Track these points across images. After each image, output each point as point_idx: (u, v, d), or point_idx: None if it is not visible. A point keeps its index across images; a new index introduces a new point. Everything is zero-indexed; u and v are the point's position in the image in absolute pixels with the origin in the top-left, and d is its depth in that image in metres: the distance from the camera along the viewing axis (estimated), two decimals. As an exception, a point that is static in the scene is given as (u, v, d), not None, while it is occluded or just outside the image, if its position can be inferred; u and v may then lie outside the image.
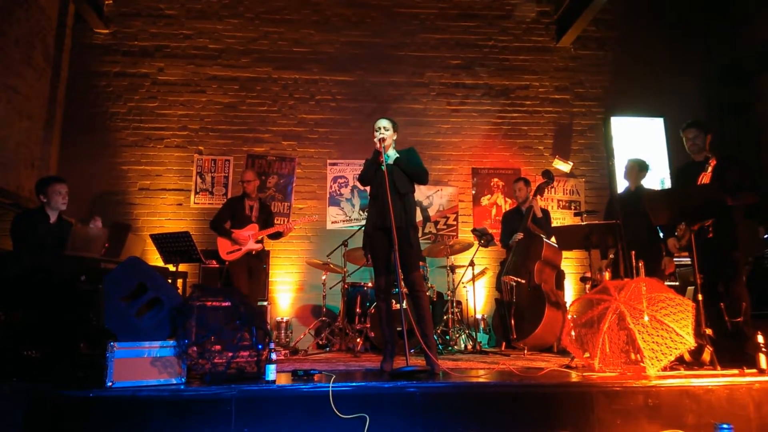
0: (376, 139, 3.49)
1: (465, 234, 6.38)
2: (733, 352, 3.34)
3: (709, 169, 3.70)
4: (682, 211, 3.62)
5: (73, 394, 2.42)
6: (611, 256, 4.47)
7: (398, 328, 3.42)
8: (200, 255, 4.60)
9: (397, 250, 3.19)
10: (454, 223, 6.61)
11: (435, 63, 6.90)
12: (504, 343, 5.04)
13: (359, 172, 3.69)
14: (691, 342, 2.95)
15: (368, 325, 4.95)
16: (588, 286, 4.25)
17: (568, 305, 4.75)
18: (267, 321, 5.03)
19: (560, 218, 6.61)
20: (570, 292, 6.16)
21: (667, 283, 4.03)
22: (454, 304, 5.33)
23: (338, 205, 6.53)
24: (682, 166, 4.13)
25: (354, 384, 2.67)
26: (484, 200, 6.70)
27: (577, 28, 6.64)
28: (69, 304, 3.16)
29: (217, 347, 2.72)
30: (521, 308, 4.80)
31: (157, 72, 6.61)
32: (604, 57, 7.07)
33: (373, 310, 4.98)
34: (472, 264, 5.27)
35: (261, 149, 6.59)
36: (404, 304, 3.19)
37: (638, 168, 4.55)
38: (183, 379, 2.66)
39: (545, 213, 5.33)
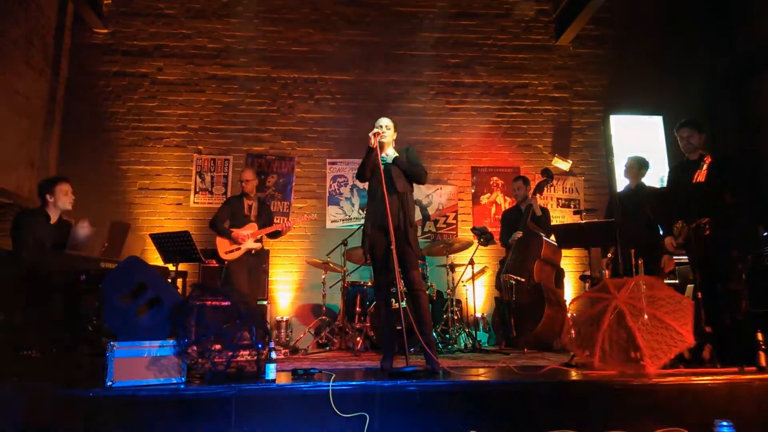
0: (370, 134, 3.37)
1: (464, 233, 6.38)
2: (732, 349, 3.35)
3: (704, 167, 3.71)
4: (681, 209, 3.63)
5: (73, 394, 2.42)
6: (610, 255, 4.47)
7: (398, 327, 3.42)
8: (200, 254, 4.60)
9: (394, 249, 3.18)
10: (454, 221, 6.61)
11: (434, 62, 6.89)
12: (504, 342, 5.05)
13: (358, 170, 3.67)
14: (690, 340, 2.96)
15: (368, 324, 4.95)
16: (588, 284, 4.26)
17: (567, 303, 4.76)
18: (267, 320, 5.03)
19: (559, 216, 6.61)
20: (570, 290, 6.16)
21: (666, 281, 4.03)
22: (454, 303, 5.33)
23: (338, 204, 6.53)
24: (676, 165, 4.14)
25: (354, 383, 2.67)
26: (484, 199, 6.70)
27: (576, 26, 6.63)
28: (69, 304, 3.16)
29: (217, 346, 2.71)
30: (521, 307, 4.80)
31: (156, 71, 6.60)
32: (603, 55, 7.07)
33: (372, 309, 4.98)
34: (471, 263, 5.27)
35: (260, 148, 6.58)
36: (404, 303, 3.19)
37: (638, 166, 4.54)
38: (183, 379, 2.66)
39: (545, 211, 5.33)
